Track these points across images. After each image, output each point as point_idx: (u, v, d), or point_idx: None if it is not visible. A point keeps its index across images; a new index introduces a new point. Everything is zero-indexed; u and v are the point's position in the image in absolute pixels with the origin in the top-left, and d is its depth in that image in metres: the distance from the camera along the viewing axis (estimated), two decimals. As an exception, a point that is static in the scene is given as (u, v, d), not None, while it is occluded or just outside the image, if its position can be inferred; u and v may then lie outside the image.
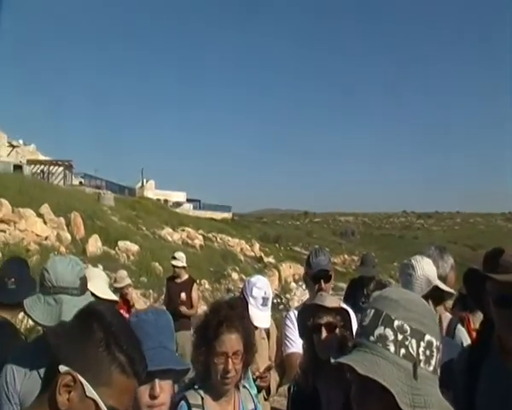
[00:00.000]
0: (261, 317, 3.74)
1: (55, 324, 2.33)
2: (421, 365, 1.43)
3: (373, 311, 1.50)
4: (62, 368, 1.34)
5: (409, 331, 1.44)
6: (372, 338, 1.47)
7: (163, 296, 16.86)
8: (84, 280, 2.47)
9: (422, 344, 1.45)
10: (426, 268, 3.20)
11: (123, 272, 8.82)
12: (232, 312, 2.52)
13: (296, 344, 3.66)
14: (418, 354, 1.44)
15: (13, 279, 3.51)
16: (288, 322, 3.86)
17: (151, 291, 17.53)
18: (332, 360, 2.26)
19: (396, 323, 1.45)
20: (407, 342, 1.44)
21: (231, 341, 2.47)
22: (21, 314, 3.68)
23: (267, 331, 4.11)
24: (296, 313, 3.71)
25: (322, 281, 3.83)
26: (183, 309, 8.77)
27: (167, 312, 2.40)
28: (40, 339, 2.60)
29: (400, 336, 1.44)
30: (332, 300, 2.89)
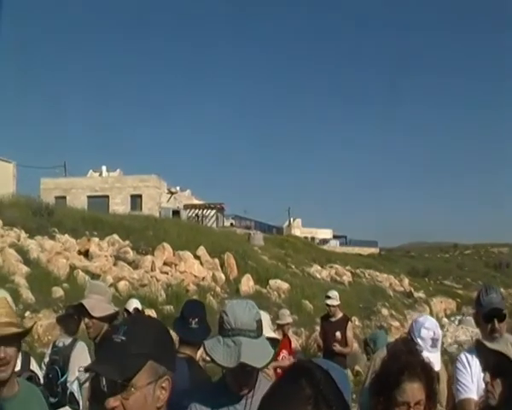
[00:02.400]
0: (431, 359, 3.51)
1: (234, 365, 2.33)
2: None
3: None
4: None
5: None
6: None
7: (314, 334, 16.77)
8: (259, 323, 2.46)
9: None
10: None
11: (285, 311, 8.75)
12: (413, 358, 2.37)
13: (470, 389, 3.39)
14: None
15: (196, 319, 3.65)
16: (460, 365, 3.58)
17: (302, 329, 17.45)
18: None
19: None
20: None
21: (413, 390, 2.30)
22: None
23: (437, 375, 3.86)
24: (468, 355, 3.45)
25: (495, 320, 3.53)
26: (338, 348, 8.58)
27: (341, 369, 2.30)
28: (221, 380, 2.62)
29: None
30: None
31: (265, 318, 4.11)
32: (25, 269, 14.77)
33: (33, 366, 4.42)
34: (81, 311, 4.00)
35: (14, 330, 2.68)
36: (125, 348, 1.75)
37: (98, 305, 3.96)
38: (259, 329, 2.43)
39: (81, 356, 4.80)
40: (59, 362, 5.02)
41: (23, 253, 15.88)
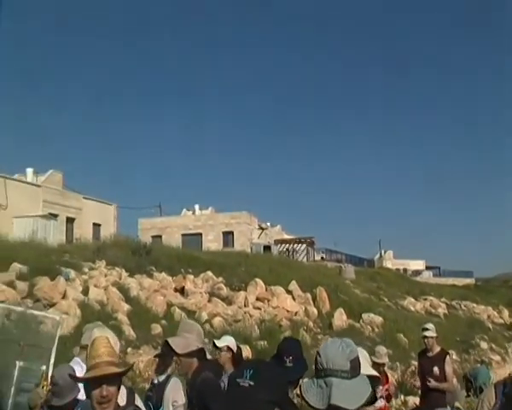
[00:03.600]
0: None
1: (325, 408, 2.30)
2: None
3: None
4: None
5: None
6: None
7: (410, 369, 16.22)
8: (354, 363, 2.40)
9: None
10: None
11: (382, 348, 8.40)
12: None
13: None
14: None
15: (290, 358, 3.64)
16: None
17: (398, 364, 16.91)
18: None
19: None
20: None
21: None
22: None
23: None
24: None
25: None
26: (433, 383, 8.19)
27: None
28: None
29: None
30: None
31: (364, 355, 4.00)
32: (126, 307, 15.33)
33: (138, 401, 4.56)
34: (169, 348, 4.14)
35: (115, 369, 2.80)
36: (254, 395, 1.77)
37: (182, 342, 4.06)
38: (354, 369, 2.37)
39: (175, 392, 4.89)
40: (153, 398, 5.16)
41: (124, 291, 16.50)
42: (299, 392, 2.57)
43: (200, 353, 4.14)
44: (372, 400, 2.48)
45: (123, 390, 3.69)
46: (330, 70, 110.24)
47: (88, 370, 2.85)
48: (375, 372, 3.93)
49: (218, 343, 6.31)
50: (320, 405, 2.33)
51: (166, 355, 5.20)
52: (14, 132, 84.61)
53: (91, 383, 2.75)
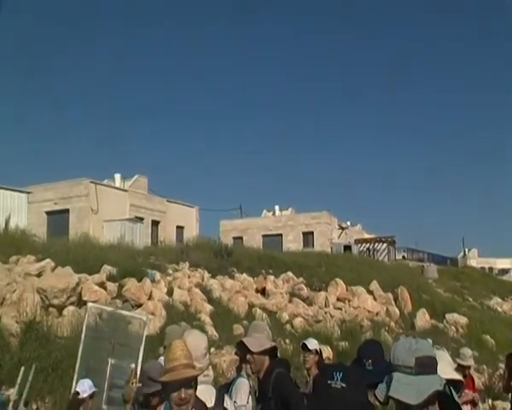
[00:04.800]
0: None
1: (383, 399, 2.35)
2: None
3: None
4: None
5: None
6: None
7: (497, 373, 15.59)
8: (423, 360, 2.36)
9: None
10: None
11: (467, 350, 8.12)
12: None
13: None
14: None
15: (370, 361, 3.62)
16: None
17: (484, 367, 16.31)
18: None
19: None
20: None
21: None
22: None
23: None
24: None
25: None
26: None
27: None
28: None
29: None
30: None
31: (444, 357, 3.90)
32: (209, 307, 15.64)
33: (227, 403, 4.66)
34: (243, 348, 4.25)
35: (192, 372, 2.91)
36: (348, 396, 1.86)
37: (257, 341, 4.21)
38: (420, 366, 2.34)
39: (236, 392, 4.93)
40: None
41: (207, 292, 16.85)
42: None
43: (272, 351, 4.27)
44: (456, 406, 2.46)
45: (212, 391, 3.81)
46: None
47: (165, 372, 2.96)
48: (458, 376, 3.82)
49: (310, 346, 6.35)
50: (380, 397, 2.37)
51: (238, 356, 5.33)
52: (102, 139, 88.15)
53: (170, 386, 2.85)
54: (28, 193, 26.61)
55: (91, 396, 6.35)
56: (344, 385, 2.38)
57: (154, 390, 4.50)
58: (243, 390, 4.53)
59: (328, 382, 2.39)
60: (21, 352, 10.37)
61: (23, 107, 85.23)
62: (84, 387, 6.36)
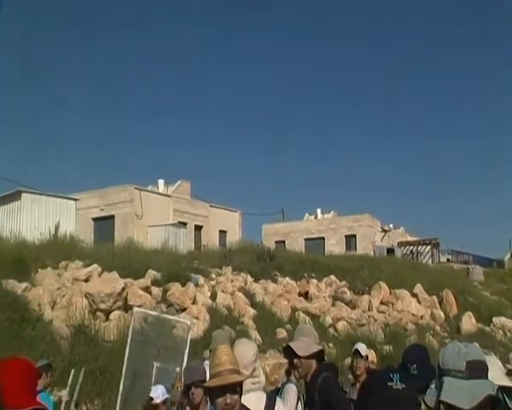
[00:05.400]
0: None
1: (433, 405, 2.31)
2: None
3: None
4: None
5: None
6: None
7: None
8: (474, 365, 2.32)
9: None
10: None
11: None
12: None
13: None
14: None
15: (415, 365, 3.58)
16: None
17: (534, 371, 15.81)
18: None
19: None
20: None
21: None
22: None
23: None
24: None
25: None
26: None
27: None
28: None
29: None
30: None
31: (494, 362, 3.78)
32: (252, 311, 15.69)
33: (279, 407, 4.66)
34: (290, 352, 4.23)
35: (238, 378, 2.93)
36: (409, 397, 1.92)
37: (304, 345, 4.18)
38: (472, 370, 2.29)
39: (286, 397, 4.91)
40: None
41: (250, 296, 16.90)
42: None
43: (319, 355, 4.25)
44: None
45: (262, 397, 3.82)
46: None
47: (211, 377, 2.99)
48: (510, 383, 3.70)
49: (362, 351, 6.27)
50: (432, 402, 2.33)
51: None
52: (146, 145, 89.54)
53: (215, 392, 2.87)
54: (76, 200, 27.21)
55: (164, 402, 6.49)
56: (404, 386, 2.37)
57: (193, 380, 4.60)
58: (291, 396, 4.50)
59: (389, 384, 2.38)
60: (71, 355, 10.64)
61: (70, 117, 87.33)
62: (158, 393, 6.53)
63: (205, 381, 4.27)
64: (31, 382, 2.09)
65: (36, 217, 24.24)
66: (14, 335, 10.79)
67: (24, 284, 12.91)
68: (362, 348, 6.36)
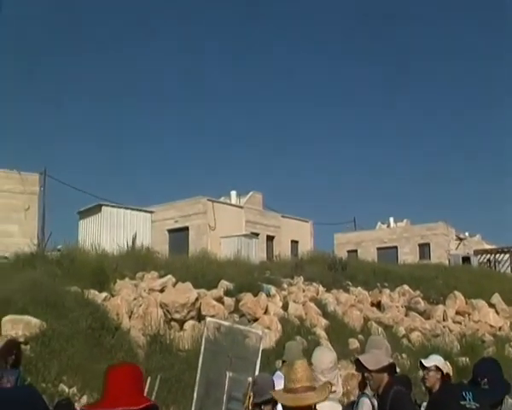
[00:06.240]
0: None
1: None
2: None
3: None
4: None
5: None
6: None
7: None
8: None
9: None
10: None
11: None
12: None
13: None
14: None
15: (485, 380, 3.45)
16: None
17: None
18: None
19: None
20: None
21: None
22: None
23: None
24: None
25: None
26: None
27: None
28: None
29: None
30: None
31: None
32: (324, 321, 15.56)
33: None
34: (360, 365, 4.15)
35: (314, 399, 2.90)
36: None
37: (373, 358, 4.05)
38: None
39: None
40: None
41: (322, 306, 16.77)
42: None
43: (390, 368, 4.13)
44: None
45: (338, 408, 3.80)
46: None
47: (287, 392, 2.98)
48: None
49: (426, 363, 6.07)
50: None
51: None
52: (218, 158, 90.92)
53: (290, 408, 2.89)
54: (151, 212, 27.97)
55: None
56: (478, 405, 2.31)
57: (263, 399, 4.58)
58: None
59: (462, 403, 2.32)
60: (147, 363, 10.90)
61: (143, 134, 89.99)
62: None
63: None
64: (140, 383, 2.32)
65: (115, 229, 25.13)
66: (95, 343, 11.20)
67: (104, 294, 13.38)
68: (428, 359, 6.14)
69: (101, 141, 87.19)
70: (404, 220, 47.44)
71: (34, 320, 10.93)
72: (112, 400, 2.16)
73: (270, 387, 4.79)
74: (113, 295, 13.58)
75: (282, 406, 3.01)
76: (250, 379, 8.60)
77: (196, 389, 9.38)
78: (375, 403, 4.35)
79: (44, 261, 15.27)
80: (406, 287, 20.62)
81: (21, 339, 10.01)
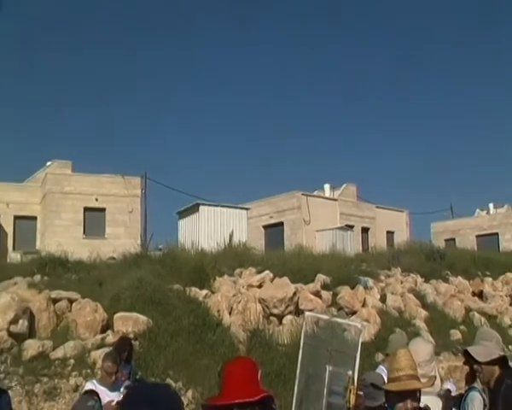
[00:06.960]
0: None
1: None
2: None
3: None
4: None
5: None
6: None
7: None
8: None
9: None
10: None
11: None
12: None
13: None
14: None
15: None
16: None
17: None
18: None
19: None
20: None
21: None
22: None
23: None
24: None
25: None
26: None
27: None
28: None
29: None
30: None
31: None
32: (423, 313, 15.15)
33: None
34: (469, 357, 4.01)
35: (419, 385, 2.89)
36: None
37: (484, 350, 3.92)
38: None
39: (469, 407, 4.59)
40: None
41: (420, 297, 16.33)
42: None
43: (501, 361, 3.96)
44: None
45: (437, 404, 3.72)
46: None
47: (390, 381, 2.97)
48: None
49: None
50: None
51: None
52: (311, 152, 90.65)
53: (395, 396, 2.87)
54: (247, 209, 28.36)
55: None
56: None
57: (377, 405, 4.46)
58: (476, 406, 4.27)
59: None
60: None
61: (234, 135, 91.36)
62: None
63: None
64: (255, 375, 2.41)
65: (212, 227, 25.70)
66: (197, 339, 11.53)
67: (204, 291, 13.73)
68: None
69: (195, 143, 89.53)
70: (505, 206, 45.21)
71: (142, 317, 11.41)
72: (230, 393, 2.25)
73: (382, 393, 4.65)
74: (213, 292, 13.90)
75: (386, 394, 2.99)
76: (350, 373, 8.55)
77: (297, 382, 9.42)
78: (486, 399, 4.18)
79: (148, 261, 15.88)
80: (510, 275, 19.65)
81: (131, 335, 10.50)
